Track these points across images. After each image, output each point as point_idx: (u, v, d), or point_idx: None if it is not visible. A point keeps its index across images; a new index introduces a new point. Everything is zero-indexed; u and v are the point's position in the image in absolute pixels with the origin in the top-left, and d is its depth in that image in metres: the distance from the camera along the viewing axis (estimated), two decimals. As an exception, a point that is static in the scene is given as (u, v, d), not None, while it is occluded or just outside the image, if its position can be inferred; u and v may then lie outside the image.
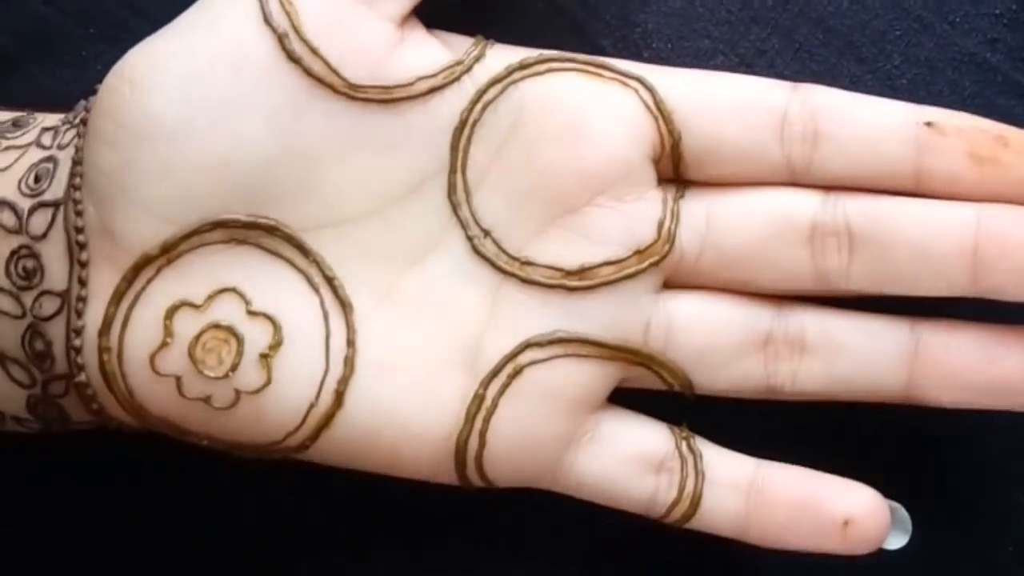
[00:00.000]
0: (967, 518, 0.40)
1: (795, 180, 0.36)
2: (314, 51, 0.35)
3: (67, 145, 0.36)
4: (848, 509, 0.36)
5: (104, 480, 0.40)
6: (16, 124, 0.37)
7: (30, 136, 0.37)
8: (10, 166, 0.36)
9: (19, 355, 0.36)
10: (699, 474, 0.37)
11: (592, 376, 0.36)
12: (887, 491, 0.37)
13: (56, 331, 0.35)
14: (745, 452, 0.38)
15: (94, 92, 0.36)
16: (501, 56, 0.37)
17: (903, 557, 0.37)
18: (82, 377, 0.35)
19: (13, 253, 0.35)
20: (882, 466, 0.39)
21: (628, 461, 0.37)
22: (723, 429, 0.38)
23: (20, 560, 0.41)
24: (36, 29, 0.41)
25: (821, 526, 0.36)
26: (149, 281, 0.35)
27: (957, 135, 0.35)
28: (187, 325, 0.35)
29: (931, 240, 0.35)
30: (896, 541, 0.36)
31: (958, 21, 0.39)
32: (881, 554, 0.36)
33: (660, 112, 0.36)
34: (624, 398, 0.37)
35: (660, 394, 0.37)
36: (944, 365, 0.36)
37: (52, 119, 0.37)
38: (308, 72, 0.35)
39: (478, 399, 0.36)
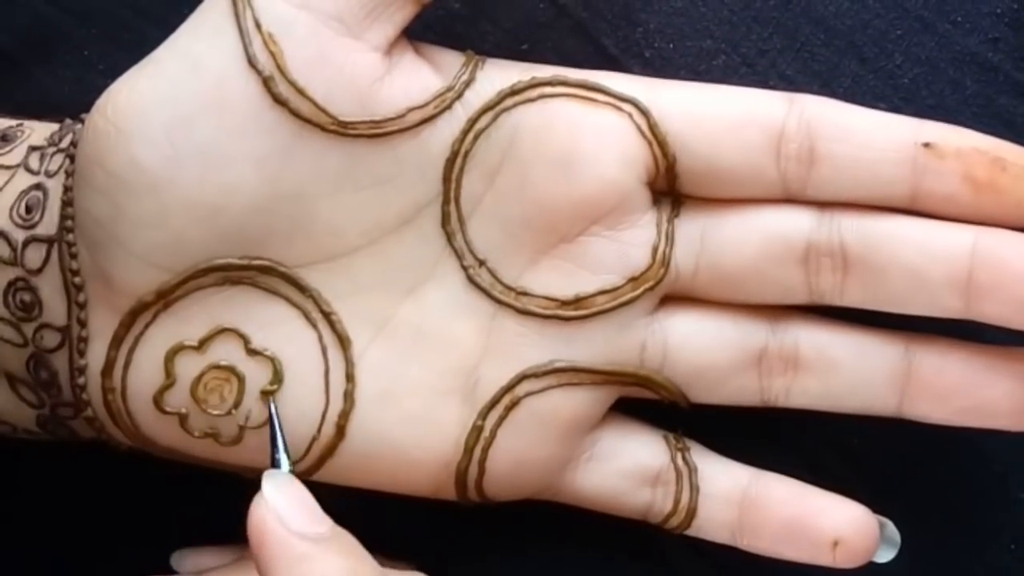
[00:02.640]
0: (968, 516, 0.40)
1: (791, 198, 0.36)
2: (301, 92, 0.34)
3: (55, 173, 0.36)
4: (838, 529, 0.36)
5: (102, 485, 0.40)
6: (4, 138, 0.37)
7: (17, 155, 0.36)
8: (0, 189, 0.36)
9: (27, 378, 0.36)
10: (694, 488, 0.37)
11: (588, 401, 0.37)
12: (888, 487, 0.37)
13: (60, 363, 0.36)
14: (741, 452, 0.38)
15: (80, 120, 0.35)
16: (492, 77, 0.36)
17: (904, 554, 0.37)
18: (89, 412, 0.36)
19: (10, 284, 0.35)
20: (883, 463, 0.39)
21: (625, 476, 0.37)
22: (719, 429, 0.38)
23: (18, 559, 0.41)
24: (37, 28, 0.41)
25: (812, 543, 0.37)
26: (147, 326, 0.35)
27: (955, 158, 0.35)
28: (188, 366, 0.35)
29: (926, 265, 0.35)
30: (884, 555, 0.37)
31: (959, 20, 0.39)
32: (869, 567, 0.37)
33: (655, 136, 0.36)
34: (621, 400, 0.38)
35: (657, 401, 0.38)
36: (935, 387, 0.36)
37: (38, 134, 0.37)
38: (295, 114, 0.34)
39: (476, 430, 0.36)
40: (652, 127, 0.36)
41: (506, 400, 0.36)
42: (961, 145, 0.35)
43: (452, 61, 0.36)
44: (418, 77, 0.35)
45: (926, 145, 0.35)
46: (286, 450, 0.35)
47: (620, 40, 0.39)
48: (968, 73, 0.39)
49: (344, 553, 0.32)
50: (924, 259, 0.35)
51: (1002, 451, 0.40)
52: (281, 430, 0.35)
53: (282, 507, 0.32)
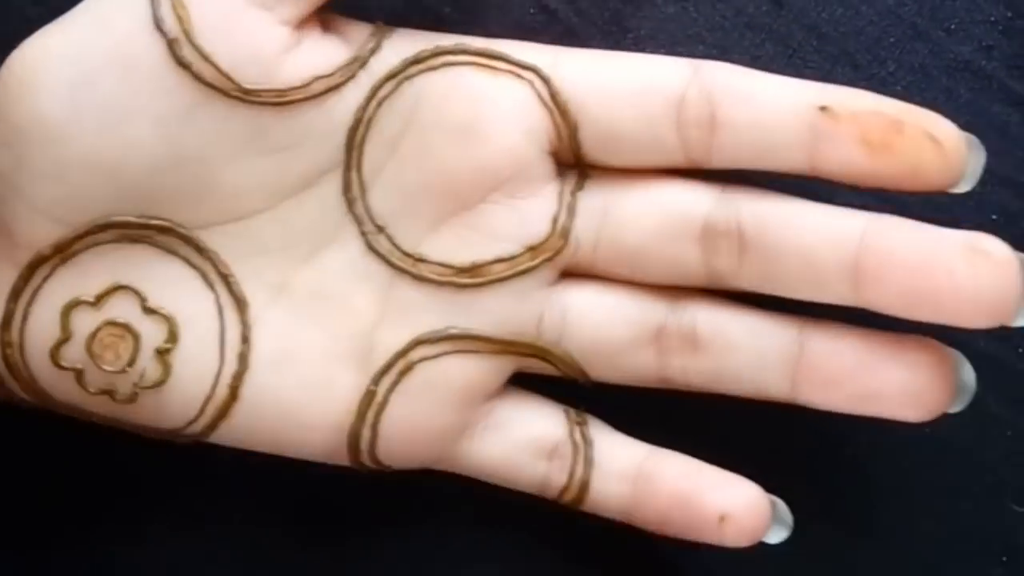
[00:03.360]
0: (959, 527, 0.40)
1: (694, 165, 0.36)
2: (205, 57, 0.35)
3: None
4: (724, 505, 0.36)
5: (99, 480, 0.40)
6: None
7: None
8: None
9: None
10: (588, 461, 0.37)
11: (483, 370, 0.37)
12: (879, 496, 0.37)
13: None
14: (731, 458, 0.37)
15: None
16: (398, 46, 0.36)
17: (895, 566, 0.37)
18: None
19: None
20: (874, 471, 0.39)
21: (521, 448, 0.37)
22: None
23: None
24: (27, 31, 0.41)
25: (698, 519, 0.36)
26: (45, 279, 0.36)
27: (850, 121, 0.34)
28: (84, 322, 0.36)
29: (816, 251, 0.35)
30: (776, 535, 0.36)
31: (953, 28, 0.39)
32: (761, 547, 0.36)
33: (555, 104, 0.36)
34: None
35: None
36: (825, 371, 0.35)
37: None
38: (198, 78, 0.35)
39: (369, 395, 0.36)
40: (553, 94, 0.36)
41: (400, 365, 0.36)
42: (859, 108, 0.34)
43: (362, 32, 0.37)
44: (325, 51, 0.36)
45: (823, 109, 0.35)
46: None
47: (611, 46, 0.39)
48: (961, 81, 0.39)
49: None
50: (816, 242, 0.35)
51: (995, 461, 0.39)
52: None
53: None
